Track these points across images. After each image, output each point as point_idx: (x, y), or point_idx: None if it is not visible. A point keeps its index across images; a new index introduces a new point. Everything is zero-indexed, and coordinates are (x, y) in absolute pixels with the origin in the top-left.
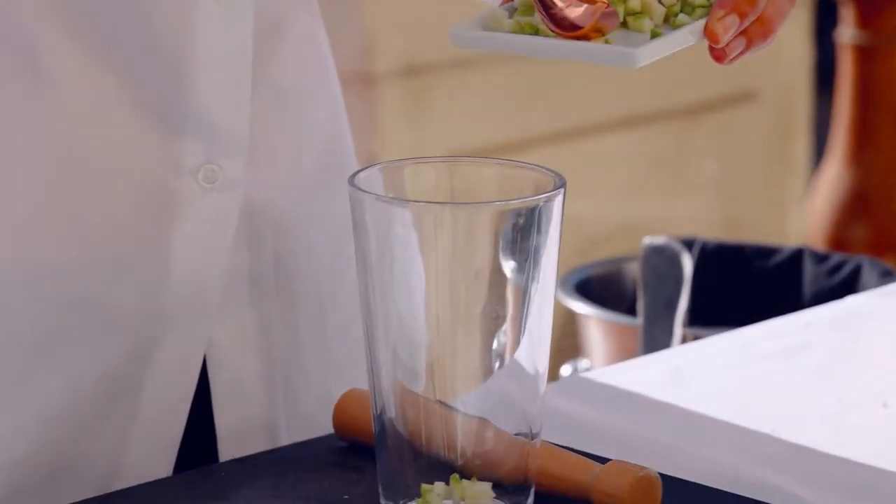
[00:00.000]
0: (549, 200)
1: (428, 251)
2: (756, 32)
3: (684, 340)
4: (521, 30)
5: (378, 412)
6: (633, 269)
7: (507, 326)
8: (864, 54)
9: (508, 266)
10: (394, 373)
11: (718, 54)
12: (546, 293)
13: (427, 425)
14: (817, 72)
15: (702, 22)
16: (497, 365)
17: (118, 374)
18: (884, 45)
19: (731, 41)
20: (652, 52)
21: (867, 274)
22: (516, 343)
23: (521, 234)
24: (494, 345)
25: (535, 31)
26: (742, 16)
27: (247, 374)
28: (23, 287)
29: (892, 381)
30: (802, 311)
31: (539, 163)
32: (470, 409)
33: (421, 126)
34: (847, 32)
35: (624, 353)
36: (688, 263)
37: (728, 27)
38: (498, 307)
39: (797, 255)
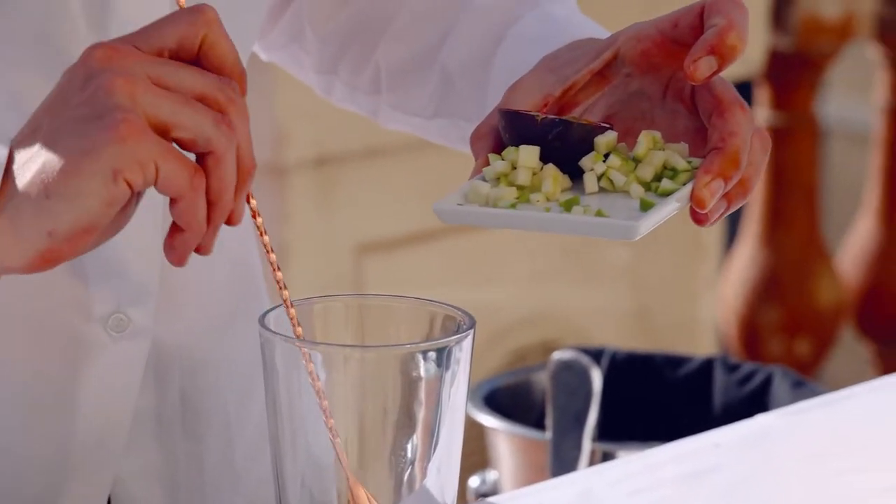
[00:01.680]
0: (458, 341)
1: (337, 392)
2: (736, 193)
3: (593, 456)
4: (501, 198)
5: None
6: (542, 380)
7: (416, 467)
8: (778, 136)
9: (418, 406)
10: None
11: (701, 218)
12: (455, 433)
13: None
14: None
15: (688, 188)
16: (410, 499)
17: None
18: (798, 127)
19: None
20: (649, 224)
21: (779, 384)
22: (426, 480)
23: (431, 375)
24: (408, 480)
25: (516, 201)
26: (727, 179)
27: None
28: None
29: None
30: (712, 430)
31: (448, 251)
32: None
33: (331, 216)
34: (761, 113)
35: (532, 467)
36: (597, 378)
37: (714, 192)
38: (407, 447)
39: (707, 365)
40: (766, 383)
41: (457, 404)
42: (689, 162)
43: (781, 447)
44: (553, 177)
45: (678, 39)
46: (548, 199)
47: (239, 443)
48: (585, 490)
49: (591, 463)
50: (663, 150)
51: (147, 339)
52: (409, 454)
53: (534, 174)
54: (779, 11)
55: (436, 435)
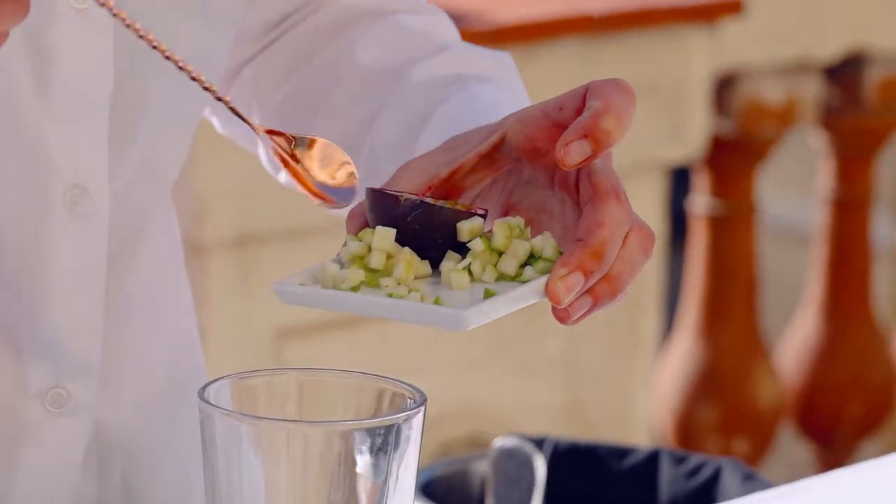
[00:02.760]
0: (408, 419)
1: (278, 471)
2: (603, 291)
3: None
4: (347, 280)
5: None
6: (480, 469)
7: None
8: (717, 224)
9: (365, 486)
10: None
11: (561, 315)
12: None
13: None
14: (671, 240)
15: (543, 279)
16: None
17: None
18: (738, 215)
19: (575, 300)
20: (484, 314)
21: (728, 477)
22: None
23: (378, 453)
24: None
25: (360, 284)
26: (587, 273)
27: None
28: None
29: None
30: None
31: (373, 338)
32: None
33: (251, 298)
34: (700, 201)
35: None
36: (541, 466)
37: (571, 287)
38: None
39: (653, 457)
40: (715, 476)
41: (405, 485)
42: (561, 252)
43: None
44: (407, 261)
45: (563, 123)
46: (398, 284)
47: None
48: None
49: None
50: (528, 238)
51: (88, 416)
52: None
53: (390, 258)
54: (721, 95)
55: None
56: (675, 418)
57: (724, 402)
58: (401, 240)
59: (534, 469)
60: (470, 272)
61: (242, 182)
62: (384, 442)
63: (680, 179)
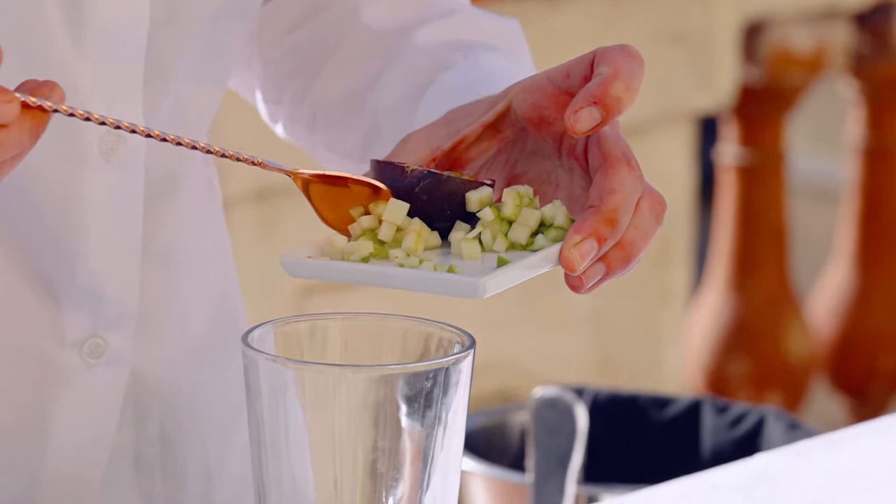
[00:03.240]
0: (457, 362)
1: (323, 418)
2: (616, 258)
3: (578, 500)
4: (356, 252)
5: None
6: (519, 420)
7: (411, 495)
8: (746, 174)
9: (412, 433)
10: None
11: (575, 283)
12: (453, 459)
13: None
14: (699, 192)
15: (556, 247)
16: None
17: None
18: (767, 164)
19: (588, 268)
20: (499, 282)
21: (772, 426)
22: None
23: (426, 399)
24: None
25: (370, 256)
26: (600, 241)
27: None
28: None
29: None
30: (709, 470)
31: (397, 293)
32: None
33: (273, 251)
34: (729, 151)
35: None
36: (582, 416)
37: (585, 254)
38: (401, 476)
39: (694, 406)
40: (759, 426)
41: (455, 432)
42: (572, 219)
43: (783, 489)
44: (417, 232)
45: (570, 91)
46: (408, 256)
47: (219, 488)
48: None
49: None
50: (537, 207)
51: (126, 366)
52: (401, 486)
53: (399, 230)
54: (749, 43)
55: (430, 465)
56: (705, 373)
57: (756, 356)
58: (412, 210)
59: (575, 419)
60: (480, 242)
61: (264, 135)
62: (432, 387)
63: (708, 131)
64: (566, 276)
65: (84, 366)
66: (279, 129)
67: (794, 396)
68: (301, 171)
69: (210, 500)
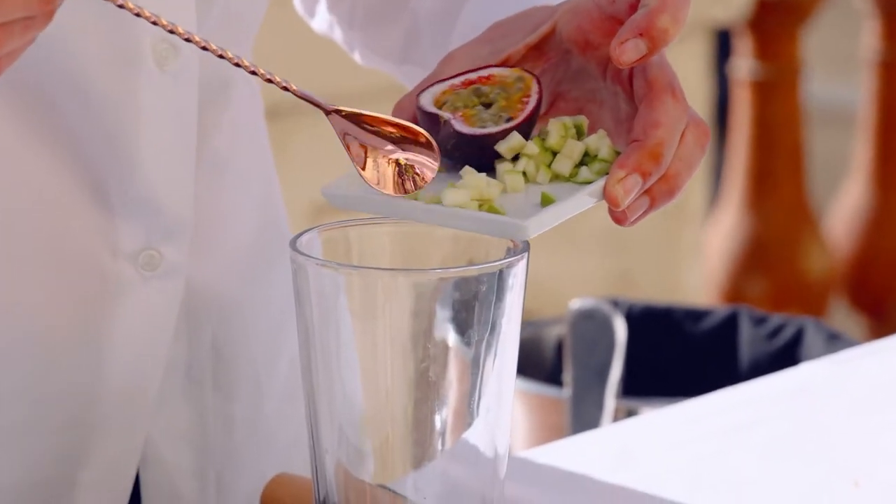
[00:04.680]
0: (510, 266)
1: (378, 322)
2: (661, 191)
3: (617, 414)
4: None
5: (322, 499)
6: (553, 334)
7: (463, 403)
8: (762, 89)
9: (466, 337)
10: (338, 455)
11: (619, 217)
12: (506, 367)
13: None
14: (716, 109)
15: (601, 182)
16: (452, 446)
17: (44, 481)
18: (783, 80)
19: (633, 202)
20: (544, 222)
21: (811, 337)
22: (475, 422)
23: (481, 302)
24: (452, 423)
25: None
26: (645, 175)
27: (179, 471)
28: None
29: (860, 458)
30: (753, 380)
31: None
32: (422, 496)
33: (286, 171)
34: (743, 65)
35: (549, 428)
36: (621, 329)
37: (630, 189)
38: (454, 382)
39: (732, 318)
40: (798, 336)
41: (509, 338)
42: (617, 151)
43: (829, 397)
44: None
45: (615, 16)
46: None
47: (269, 400)
48: (621, 446)
49: (615, 421)
50: (579, 138)
51: (180, 278)
52: (453, 395)
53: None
54: None
55: (486, 370)
56: (723, 292)
57: (774, 274)
58: (451, 163)
59: (614, 331)
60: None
61: (274, 47)
62: (486, 292)
63: (722, 45)
64: (610, 210)
65: (139, 278)
66: (316, 23)
67: (812, 315)
68: (341, 108)
69: (259, 410)
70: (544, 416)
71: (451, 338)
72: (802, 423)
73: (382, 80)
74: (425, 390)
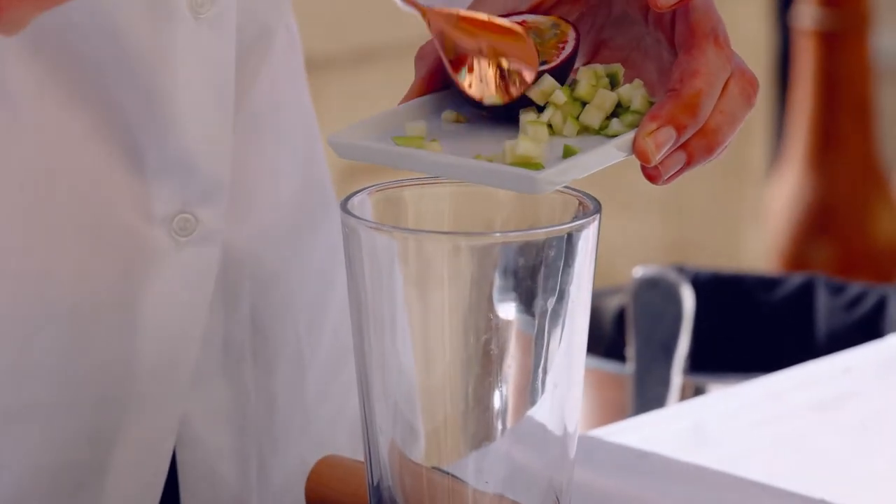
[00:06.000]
0: (580, 229)
1: (435, 290)
2: (699, 146)
3: (684, 391)
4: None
5: (375, 482)
6: (613, 304)
7: (531, 378)
8: (827, 40)
9: (531, 308)
10: (392, 435)
11: (652, 173)
12: (576, 340)
13: (433, 501)
14: (778, 61)
15: (630, 135)
16: (518, 425)
17: (79, 460)
18: (851, 29)
19: (667, 157)
20: (561, 174)
21: (895, 307)
22: (541, 399)
23: (548, 269)
24: (516, 400)
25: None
26: (680, 128)
27: (218, 451)
28: None
29: None
30: (841, 353)
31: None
32: (483, 479)
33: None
34: (807, 13)
35: (610, 406)
36: (688, 298)
37: (661, 143)
38: (520, 355)
39: (807, 286)
40: (880, 306)
41: (580, 307)
42: (652, 102)
43: None
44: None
45: None
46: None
47: (310, 375)
48: (697, 423)
49: (682, 399)
50: (610, 87)
51: (217, 244)
52: (518, 370)
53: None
54: None
55: (555, 342)
56: (786, 258)
57: (840, 240)
58: (477, 104)
59: (681, 301)
60: (551, 126)
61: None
62: (554, 257)
63: None
64: (642, 166)
65: (173, 244)
66: None
67: (880, 282)
68: (436, 9)
69: (301, 387)
70: (604, 393)
71: (515, 308)
72: (893, 399)
73: (415, 33)
74: (487, 365)
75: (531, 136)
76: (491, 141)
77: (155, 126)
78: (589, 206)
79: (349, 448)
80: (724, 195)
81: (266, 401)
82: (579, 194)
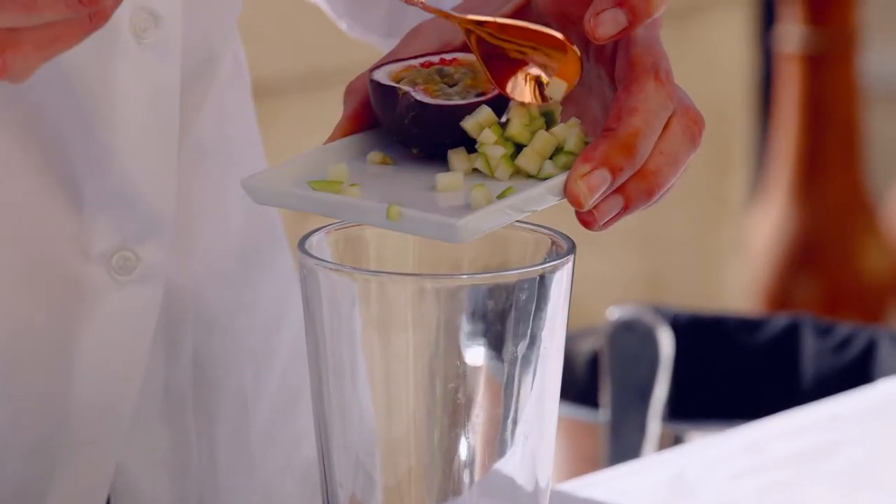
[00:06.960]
0: (553, 270)
1: (399, 335)
2: (637, 190)
3: (662, 440)
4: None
5: None
6: (586, 348)
7: (500, 429)
8: (813, 62)
9: (503, 353)
10: (353, 489)
11: (586, 218)
12: (548, 388)
13: None
14: (759, 86)
15: (562, 178)
16: (486, 479)
17: None
18: (837, 50)
19: (602, 202)
20: (484, 221)
21: (886, 350)
22: (511, 451)
23: (519, 313)
24: (484, 452)
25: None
26: (615, 171)
27: (156, 502)
28: None
29: None
30: (826, 400)
31: None
32: None
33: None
34: (790, 34)
35: (581, 457)
36: (667, 341)
37: (595, 187)
38: (488, 404)
39: (792, 328)
40: (869, 349)
41: (552, 353)
42: (587, 142)
43: None
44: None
45: None
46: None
47: (254, 421)
48: (676, 475)
49: (660, 449)
50: (545, 127)
51: (159, 284)
52: (486, 420)
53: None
54: None
55: (526, 390)
56: (768, 296)
57: (826, 276)
58: (405, 140)
59: (658, 344)
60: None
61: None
62: (526, 300)
63: (766, 13)
64: (576, 211)
65: (112, 283)
66: (343, 26)
67: (868, 321)
68: (468, 16)
69: (245, 434)
70: (576, 442)
71: (484, 354)
72: (883, 449)
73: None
74: (453, 415)
75: (440, 184)
76: (415, 185)
77: (94, 157)
78: (563, 246)
79: (299, 498)
80: (702, 228)
81: (208, 448)
82: (552, 233)
